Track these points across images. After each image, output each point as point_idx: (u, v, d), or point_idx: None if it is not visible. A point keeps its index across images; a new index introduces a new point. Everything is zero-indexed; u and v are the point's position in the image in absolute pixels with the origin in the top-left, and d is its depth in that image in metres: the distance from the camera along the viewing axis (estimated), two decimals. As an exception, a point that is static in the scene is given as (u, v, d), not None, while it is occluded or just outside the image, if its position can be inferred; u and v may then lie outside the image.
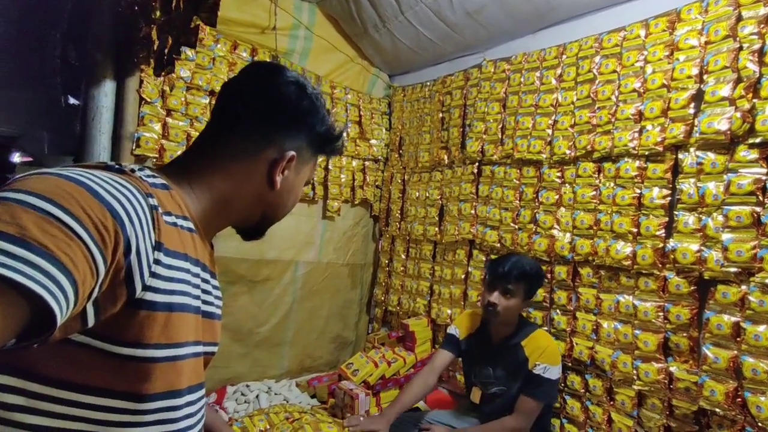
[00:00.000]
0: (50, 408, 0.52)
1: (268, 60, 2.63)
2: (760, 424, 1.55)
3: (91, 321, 0.50)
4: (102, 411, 0.54)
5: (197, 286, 0.65)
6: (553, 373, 1.80)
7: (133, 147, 2.16)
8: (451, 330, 2.14)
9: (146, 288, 0.54)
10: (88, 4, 1.96)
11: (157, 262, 0.55)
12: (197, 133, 2.32)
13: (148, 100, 2.20)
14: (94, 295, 0.48)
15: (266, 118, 0.73)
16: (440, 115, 2.95)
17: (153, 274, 0.55)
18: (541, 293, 2.26)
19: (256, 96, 0.73)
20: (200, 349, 0.68)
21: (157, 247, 0.56)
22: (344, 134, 0.85)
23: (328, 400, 2.49)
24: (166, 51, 1.50)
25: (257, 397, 2.40)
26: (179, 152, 2.30)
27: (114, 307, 0.51)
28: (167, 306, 0.57)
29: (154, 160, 2.24)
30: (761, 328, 1.58)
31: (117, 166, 0.59)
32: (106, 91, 2.05)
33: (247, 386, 2.53)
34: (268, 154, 0.73)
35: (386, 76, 3.37)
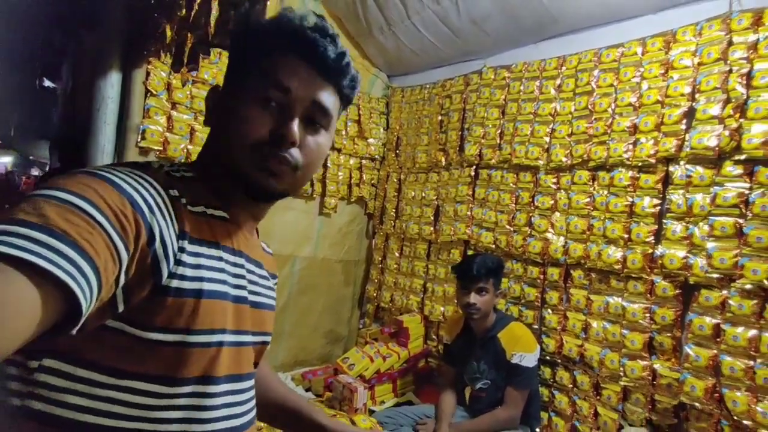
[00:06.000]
0: (89, 390, 0.54)
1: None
2: (735, 417, 1.70)
3: (120, 307, 0.53)
4: (136, 394, 0.56)
5: (238, 276, 0.67)
6: (530, 360, 1.96)
7: (138, 139, 2.14)
8: (444, 339, 2.30)
9: (172, 275, 0.56)
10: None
11: (181, 250, 0.57)
12: (202, 127, 2.32)
13: (154, 92, 2.18)
14: (122, 281, 0.50)
15: None
16: (439, 117, 3.02)
17: (178, 262, 0.57)
18: (533, 293, 2.38)
19: None
20: (248, 338, 0.69)
21: (181, 235, 0.58)
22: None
23: (323, 393, 2.54)
24: (186, 48, 1.50)
25: (256, 390, 2.42)
26: (182, 146, 2.31)
27: (142, 293, 0.54)
28: (196, 292, 0.58)
29: (158, 152, 2.23)
30: (739, 329, 1.72)
31: (145, 164, 0.62)
32: (113, 82, 2.02)
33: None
34: None
35: (385, 76, 3.41)
